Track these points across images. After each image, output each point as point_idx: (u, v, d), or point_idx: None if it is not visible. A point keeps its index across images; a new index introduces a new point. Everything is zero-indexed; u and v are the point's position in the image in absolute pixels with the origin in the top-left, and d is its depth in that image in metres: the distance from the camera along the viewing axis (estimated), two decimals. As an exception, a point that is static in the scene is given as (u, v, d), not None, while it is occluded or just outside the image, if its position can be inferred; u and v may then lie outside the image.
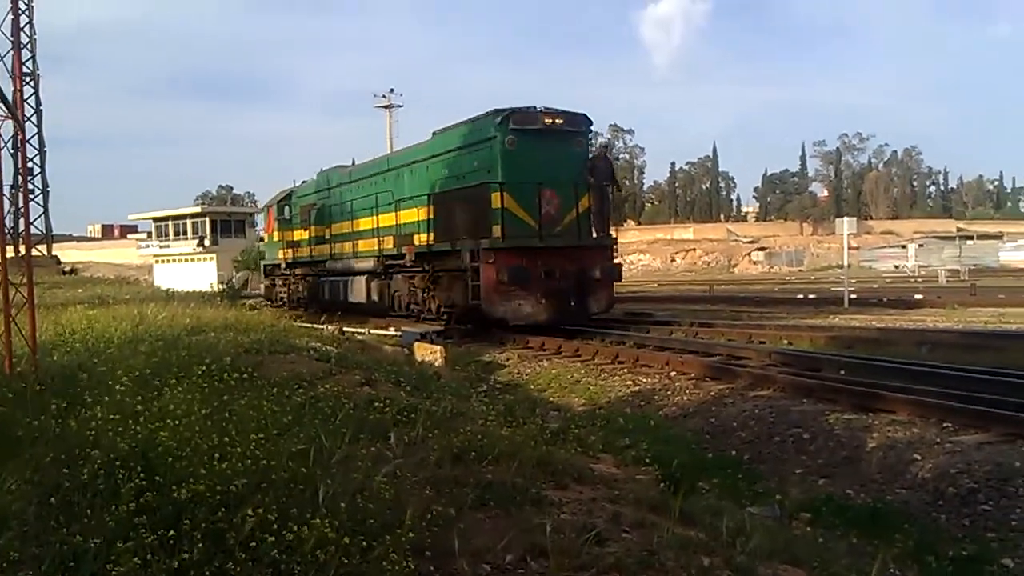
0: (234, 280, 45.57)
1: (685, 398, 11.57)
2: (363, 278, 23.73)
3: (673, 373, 12.98)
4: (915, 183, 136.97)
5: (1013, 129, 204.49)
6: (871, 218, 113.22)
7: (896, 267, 69.08)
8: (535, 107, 18.28)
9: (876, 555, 5.65)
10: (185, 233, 61.18)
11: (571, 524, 4.40)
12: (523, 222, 17.73)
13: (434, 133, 20.98)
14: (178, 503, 3.90)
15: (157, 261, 63.73)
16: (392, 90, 62.10)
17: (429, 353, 15.01)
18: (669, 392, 11.96)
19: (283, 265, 31.47)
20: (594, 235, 18.88)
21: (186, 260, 59.90)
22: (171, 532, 3.60)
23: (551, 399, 11.90)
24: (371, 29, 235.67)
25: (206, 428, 5.11)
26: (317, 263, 27.93)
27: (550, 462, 5.68)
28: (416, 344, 16.31)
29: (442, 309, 20.03)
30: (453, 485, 4.82)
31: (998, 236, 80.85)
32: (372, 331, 21.36)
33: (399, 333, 19.55)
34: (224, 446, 4.73)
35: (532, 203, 17.71)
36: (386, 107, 62.53)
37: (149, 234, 69.18)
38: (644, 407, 11.33)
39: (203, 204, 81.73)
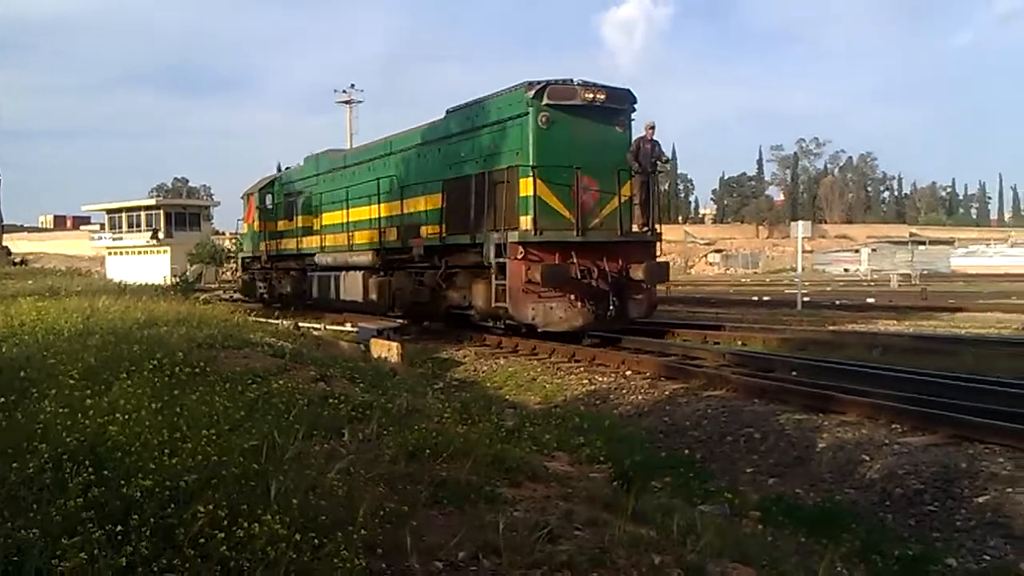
0: (188, 274, 44.95)
1: (640, 397, 11.65)
2: (359, 274, 21.60)
3: (629, 372, 13.07)
4: (870, 188, 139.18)
5: (966, 137, 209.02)
6: (826, 222, 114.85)
7: (846, 270, 70.19)
8: (571, 79, 15.84)
9: (824, 554, 5.75)
10: (139, 225, 60.30)
11: (524, 522, 4.41)
12: (557, 213, 15.46)
13: (448, 111, 18.41)
14: (127, 498, 3.84)
15: (110, 253, 62.73)
16: (353, 85, 61.61)
17: (385, 349, 14.95)
18: (624, 391, 12.04)
19: (264, 258, 28.96)
20: (636, 229, 16.51)
21: (139, 252, 59.07)
22: (119, 527, 3.54)
23: (507, 397, 11.92)
24: (334, 24, 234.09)
25: (156, 423, 5.04)
26: (304, 256, 25.61)
27: (505, 460, 5.69)
28: (372, 340, 16.24)
29: (455, 310, 18.18)
30: (407, 482, 4.81)
31: (949, 242, 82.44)
32: (328, 327, 21.21)
33: (355, 329, 19.44)
34: (175, 441, 4.67)
35: (567, 191, 15.44)
36: (347, 103, 62.13)
37: (102, 226, 68.10)
38: (599, 406, 11.39)
39: (158, 196, 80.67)
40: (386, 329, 18.53)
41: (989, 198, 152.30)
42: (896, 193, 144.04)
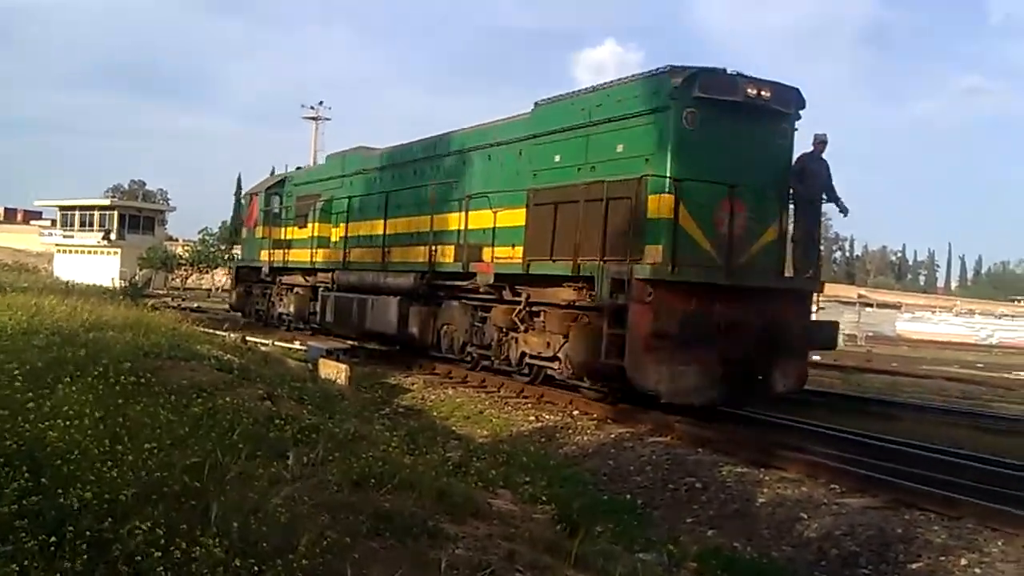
0: (137, 278, 44.31)
1: (586, 438, 11.66)
2: (394, 300, 17.64)
3: (576, 412, 13.08)
4: (822, 248, 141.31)
5: (920, 204, 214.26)
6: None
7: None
8: (724, 69, 12.14)
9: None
10: (91, 225, 59.27)
11: (466, 560, 4.39)
12: (695, 244, 11.65)
13: (539, 104, 14.54)
14: (63, 508, 3.76)
15: (59, 251, 61.57)
16: (321, 103, 61.50)
17: (334, 371, 14.82)
18: (571, 431, 12.05)
19: (266, 270, 24.81)
20: (793, 273, 12.99)
21: (89, 252, 58.01)
22: (53, 538, 3.46)
23: (454, 428, 11.86)
24: (301, 41, 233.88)
25: (98, 432, 4.95)
26: (318, 271, 21.89)
27: (449, 494, 5.67)
28: (321, 360, 16.09)
29: (537, 363, 14.23)
30: (350, 512, 4.76)
31: (896, 306, 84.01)
32: (276, 343, 20.99)
33: (304, 347, 19.26)
34: (116, 453, 4.59)
35: (711, 215, 11.76)
36: (313, 119, 61.97)
37: (53, 222, 66.85)
38: (546, 444, 11.38)
39: (113, 197, 79.49)
40: (336, 350, 18.36)
41: (938, 266, 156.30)
42: (847, 254, 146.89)
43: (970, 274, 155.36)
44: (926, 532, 7.47)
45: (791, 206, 12.87)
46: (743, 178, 11.79)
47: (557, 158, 13.71)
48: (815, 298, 13.39)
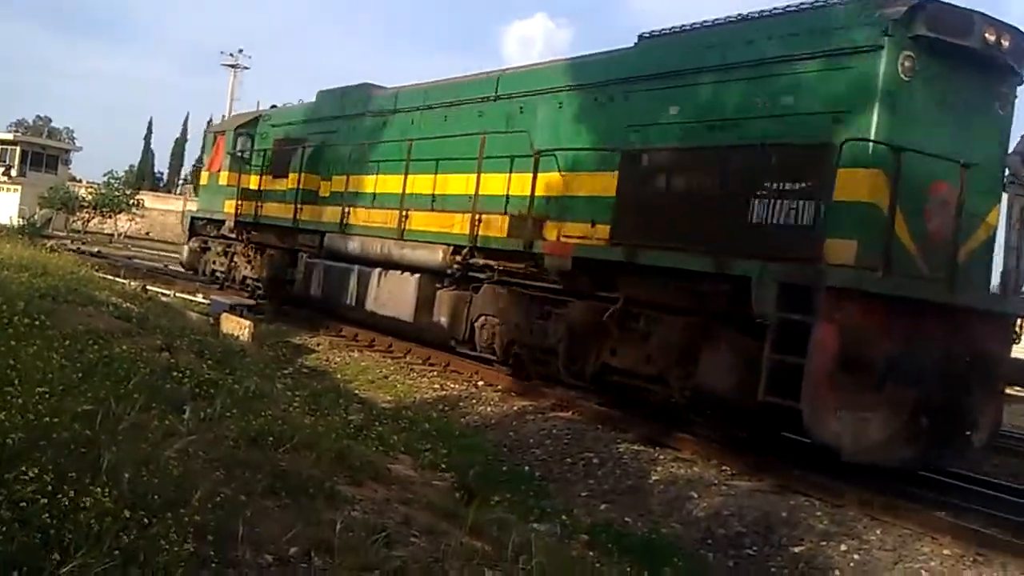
0: (36, 217, 42.61)
1: (490, 409, 11.75)
2: (413, 278, 14.12)
3: (481, 383, 13.15)
4: None
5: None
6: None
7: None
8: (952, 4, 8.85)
9: (646, 585, 5.95)
10: (-9, 159, 56.58)
11: (362, 523, 4.38)
12: (899, 243, 8.47)
13: (643, 37, 11.39)
14: (-57, 451, 3.61)
15: (-47, 184, 58.67)
16: (241, 50, 59.99)
17: (237, 327, 14.56)
18: (475, 401, 12.12)
19: (230, 223, 20.77)
20: (1000, 290, 9.62)
21: (-13, 188, 55.45)
22: (-68, 482, 3.33)
23: (357, 391, 11.79)
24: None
25: (-14, 373, 4.76)
26: (302, 232, 17.93)
27: (349, 457, 5.64)
28: (224, 315, 15.79)
29: (629, 381, 10.71)
30: (246, 469, 4.70)
31: None
32: (178, 294, 20.51)
33: (208, 301, 18.85)
34: (4, 395, 4.42)
35: (922, 204, 8.71)
36: (232, 67, 60.41)
37: (-52, 153, 63.60)
38: (449, 412, 11.43)
39: (16, 132, 76.07)
40: (240, 305, 18.01)
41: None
42: None
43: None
44: (809, 518, 7.77)
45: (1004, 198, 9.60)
46: (962, 154, 8.55)
47: (673, 111, 10.38)
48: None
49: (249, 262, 20.72)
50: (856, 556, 7.02)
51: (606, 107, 11.38)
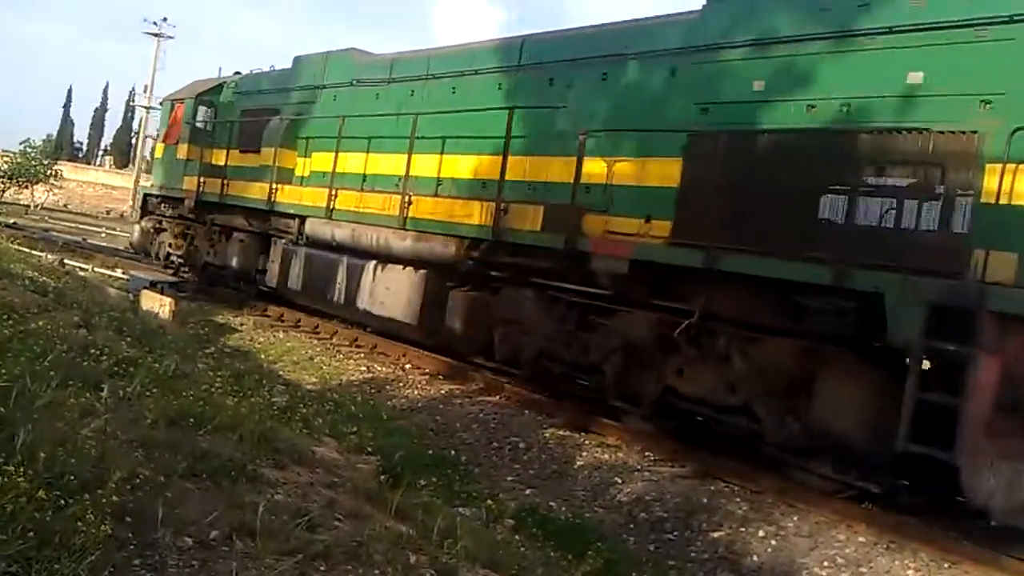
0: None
1: (417, 392, 11.70)
2: (416, 275, 12.25)
3: (408, 366, 13.08)
4: None
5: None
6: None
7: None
8: None
9: (569, 569, 6.00)
10: None
11: (285, 506, 4.32)
12: None
13: None
14: None
15: None
16: (165, 19, 58.43)
17: (157, 304, 14.22)
18: (402, 384, 12.05)
19: (190, 203, 18.39)
20: None
21: None
22: None
23: (282, 372, 11.62)
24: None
25: None
26: (278, 216, 15.85)
27: (272, 439, 5.54)
28: (144, 292, 15.41)
29: (700, 411, 9.10)
30: (166, 450, 4.58)
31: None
32: (96, 269, 19.97)
33: (127, 276, 18.39)
34: (-90, 371, 4.24)
35: None
36: (156, 35, 58.85)
37: None
38: (375, 395, 11.34)
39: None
40: (160, 282, 17.60)
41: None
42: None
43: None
44: (728, 503, 7.92)
45: None
46: None
47: (757, 85, 8.84)
48: None
49: (212, 246, 18.34)
50: (773, 542, 7.19)
51: (666, 81, 9.80)
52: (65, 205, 55.83)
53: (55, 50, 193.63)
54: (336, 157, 14.21)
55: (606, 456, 9.26)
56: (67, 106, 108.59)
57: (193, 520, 3.85)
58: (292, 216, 15.38)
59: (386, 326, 13.39)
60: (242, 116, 17.89)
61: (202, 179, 17.85)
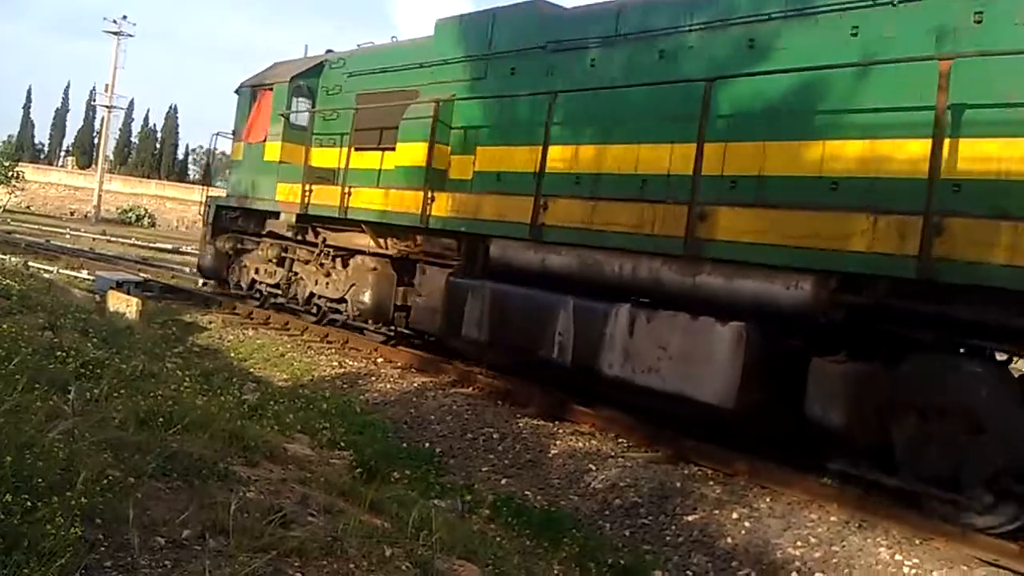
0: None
1: (389, 386, 11.65)
2: (721, 329, 7.82)
3: (380, 360, 13.03)
4: None
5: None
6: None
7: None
8: None
9: (545, 557, 6.02)
10: None
11: (257, 504, 4.29)
12: None
13: None
14: None
15: None
16: (125, 17, 57.70)
17: (124, 304, 14.09)
18: (374, 378, 12.00)
19: (290, 217, 14.63)
20: None
21: None
22: None
23: (252, 370, 11.55)
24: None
25: None
26: (438, 235, 11.95)
27: (243, 437, 5.51)
28: (110, 292, 15.25)
29: None
30: (135, 451, 4.53)
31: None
32: (62, 270, 19.72)
33: (92, 277, 18.18)
34: None
35: None
36: (115, 34, 58.07)
37: None
38: (348, 390, 11.29)
39: None
40: (127, 282, 17.43)
41: None
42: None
43: None
44: (702, 487, 7.97)
45: None
46: None
47: None
48: None
49: (328, 275, 14.49)
50: (747, 524, 7.24)
51: None
52: (28, 207, 55.08)
53: (11, 50, 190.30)
54: (544, 151, 9.74)
55: (580, 444, 9.28)
56: (27, 106, 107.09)
57: (164, 520, 3.83)
58: (459, 235, 11.53)
59: (659, 404, 8.72)
60: (358, 102, 13.92)
61: (308, 187, 14.05)
